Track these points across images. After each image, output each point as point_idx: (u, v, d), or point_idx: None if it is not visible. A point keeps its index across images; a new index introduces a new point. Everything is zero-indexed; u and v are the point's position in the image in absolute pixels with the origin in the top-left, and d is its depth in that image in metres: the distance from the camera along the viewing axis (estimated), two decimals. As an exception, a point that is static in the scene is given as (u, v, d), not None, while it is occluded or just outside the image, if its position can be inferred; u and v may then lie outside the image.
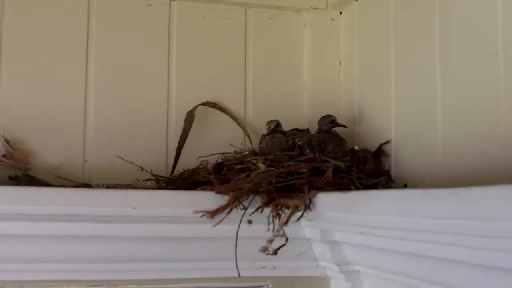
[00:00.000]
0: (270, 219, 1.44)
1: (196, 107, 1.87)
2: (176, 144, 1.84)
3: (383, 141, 1.65)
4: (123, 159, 1.72)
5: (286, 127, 1.82)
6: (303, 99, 2.00)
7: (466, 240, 0.92)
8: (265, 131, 1.77)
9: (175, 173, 1.79)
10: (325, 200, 1.36)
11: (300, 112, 1.98)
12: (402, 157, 1.59)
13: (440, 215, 0.92)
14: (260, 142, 1.77)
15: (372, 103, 1.77)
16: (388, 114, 1.65)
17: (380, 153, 1.65)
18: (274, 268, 1.61)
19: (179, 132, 1.85)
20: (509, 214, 0.80)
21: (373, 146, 1.68)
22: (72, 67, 1.82)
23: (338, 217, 1.32)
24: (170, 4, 1.92)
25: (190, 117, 1.86)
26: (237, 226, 1.46)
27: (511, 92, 1.18)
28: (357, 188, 1.48)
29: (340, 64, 1.98)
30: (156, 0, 1.90)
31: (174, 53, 1.90)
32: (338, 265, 1.48)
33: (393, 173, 1.61)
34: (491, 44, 1.24)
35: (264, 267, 1.60)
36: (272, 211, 1.44)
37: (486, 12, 1.27)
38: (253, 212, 1.46)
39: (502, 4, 1.22)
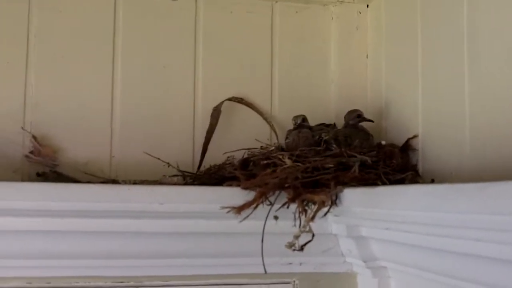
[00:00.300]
0: (296, 215, 1.44)
1: (222, 102, 1.89)
2: (203, 140, 1.86)
3: (411, 136, 1.64)
4: (149, 155, 1.74)
5: (312, 122, 1.82)
6: (330, 93, 1.99)
7: (493, 235, 0.91)
8: (291, 126, 1.78)
9: (202, 168, 1.81)
10: (351, 196, 1.36)
11: (327, 106, 1.98)
12: (429, 152, 1.58)
13: (466, 210, 0.92)
14: (286, 137, 1.78)
15: (399, 97, 1.77)
16: (415, 108, 1.65)
17: (407, 147, 1.64)
18: (300, 264, 1.61)
19: (206, 127, 1.86)
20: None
21: (400, 140, 1.67)
22: (98, 63, 1.84)
23: (365, 212, 1.32)
24: (196, -1, 1.94)
25: (216, 113, 1.88)
26: (263, 222, 1.46)
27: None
28: (384, 183, 1.48)
29: (367, 57, 1.97)
30: (181, -5, 1.92)
31: (200, 49, 1.92)
32: (364, 261, 1.48)
33: (421, 168, 1.60)
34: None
35: (290, 263, 1.60)
36: (298, 206, 1.44)
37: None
38: (280, 207, 1.46)
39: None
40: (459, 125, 1.44)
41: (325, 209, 1.41)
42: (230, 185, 1.54)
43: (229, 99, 1.90)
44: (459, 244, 1.03)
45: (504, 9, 1.29)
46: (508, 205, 0.83)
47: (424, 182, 1.55)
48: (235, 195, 1.49)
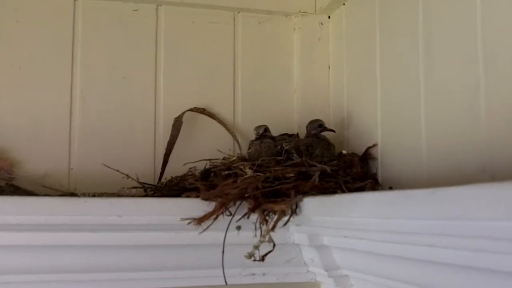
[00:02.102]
0: (257, 225, 1.45)
1: (184, 113, 1.90)
2: (164, 151, 1.87)
3: (370, 145, 1.68)
4: (108, 167, 1.74)
5: (275, 132, 1.85)
6: (293, 103, 2.02)
7: (445, 240, 0.94)
8: (253, 137, 1.80)
9: (163, 180, 1.82)
10: (310, 204, 1.38)
11: (290, 116, 2.01)
12: (388, 160, 1.62)
13: (417, 216, 0.94)
14: (249, 148, 1.80)
15: (360, 107, 1.80)
16: (375, 118, 1.68)
17: (367, 156, 1.68)
18: (264, 275, 1.63)
19: (167, 138, 1.87)
20: (484, 213, 0.82)
21: (361, 150, 1.70)
22: (57, 74, 1.84)
23: (323, 221, 1.34)
24: (157, 9, 1.94)
25: (178, 123, 1.89)
26: (224, 233, 1.48)
27: (491, 93, 1.21)
28: (343, 192, 1.51)
29: (329, 68, 2.01)
30: (142, 5, 1.93)
31: (162, 59, 1.93)
32: (327, 270, 1.50)
33: (380, 176, 1.64)
34: (472, 44, 1.27)
35: (253, 274, 1.61)
36: (259, 216, 1.46)
37: (466, 13, 1.29)
38: (240, 218, 1.47)
39: (481, 4, 1.24)
40: (415, 133, 1.47)
41: (286, 218, 1.42)
42: (189, 196, 1.55)
43: (191, 110, 1.92)
44: (413, 250, 1.05)
45: (458, 16, 1.33)
46: (457, 209, 0.86)
47: (383, 189, 1.59)
48: (196, 206, 1.50)
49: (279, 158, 1.66)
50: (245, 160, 1.73)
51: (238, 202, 1.48)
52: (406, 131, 1.53)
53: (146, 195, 1.70)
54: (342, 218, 1.23)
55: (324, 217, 1.33)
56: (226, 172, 1.62)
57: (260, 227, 1.44)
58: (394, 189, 1.51)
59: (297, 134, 1.93)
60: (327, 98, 2.00)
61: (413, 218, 0.96)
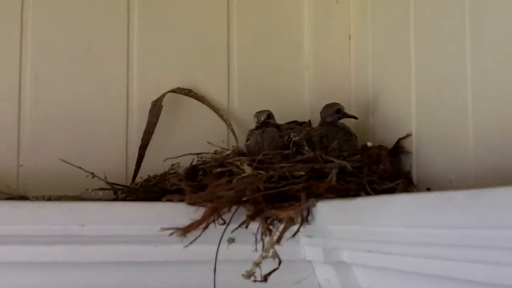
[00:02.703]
0: (258, 237, 1.46)
1: (164, 95, 1.90)
2: (139, 143, 1.88)
3: (403, 135, 1.68)
4: (68, 163, 1.74)
5: (281, 119, 1.86)
6: (303, 83, 2.04)
7: (492, 255, 0.95)
8: (253, 125, 1.81)
9: (138, 180, 1.83)
10: (326, 210, 1.38)
11: (300, 100, 2.03)
12: (425, 155, 1.62)
13: (463, 224, 0.94)
14: (247, 139, 1.81)
15: (389, 88, 1.81)
16: (408, 102, 1.68)
17: (398, 150, 1.69)
18: (266, 299, 1.64)
19: (142, 127, 1.89)
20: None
21: (390, 141, 1.71)
22: (2, 48, 1.85)
23: (343, 231, 1.34)
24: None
25: (156, 108, 1.89)
26: (216, 247, 1.49)
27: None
28: (368, 194, 1.52)
29: (349, 38, 2.01)
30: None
31: (136, 26, 1.95)
32: (347, 293, 1.51)
33: (414, 174, 1.65)
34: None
35: (253, 299, 1.63)
36: (260, 226, 1.46)
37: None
38: (237, 228, 1.48)
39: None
40: (460, 121, 1.47)
41: (295, 228, 1.42)
42: (171, 200, 1.56)
43: (173, 91, 1.93)
44: (454, 267, 1.06)
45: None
46: (508, 215, 0.86)
47: (418, 191, 1.59)
48: (180, 212, 1.50)
49: (286, 152, 1.67)
50: (243, 154, 1.74)
51: (233, 208, 1.49)
52: (448, 119, 1.53)
53: (116, 199, 1.71)
54: (367, 228, 1.23)
55: (343, 226, 1.33)
56: (219, 170, 1.63)
57: (262, 239, 1.44)
58: (432, 190, 1.52)
59: (309, 121, 1.94)
60: (347, 76, 2.00)
61: (457, 227, 0.96)
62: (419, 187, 1.63)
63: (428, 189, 1.57)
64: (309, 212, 1.42)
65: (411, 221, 1.10)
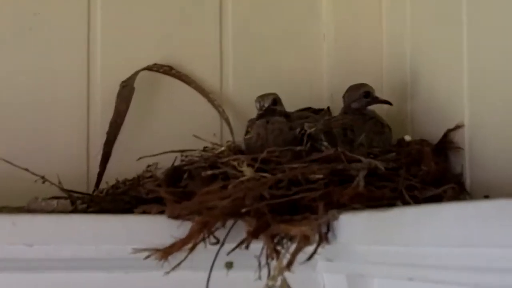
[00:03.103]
0: (263, 260, 1.46)
1: (136, 74, 1.91)
2: (104, 138, 1.88)
3: (452, 126, 1.68)
4: (11, 163, 1.74)
5: (291, 105, 1.86)
6: (320, 59, 2.05)
7: None
8: (254, 113, 1.81)
9: (103, 186, 1.83)
10: (352, 225, 1.37)
11: (316, 80, 2.04)
12: (482, 152, 1.63)
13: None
14: (247, 132, 1.81)
15: (433, 66, 1.81)
16: (459, 83, 1.69)
17: (446, 146, 1.69)
18: None
19: (108, 117, 1.89)
20: None
21: (436, 135, 1.72)
22: None
23: (374, 252, 1.34)
24: None
25: (126, 92, 1.90)
26: (206, 273, 1.48)
27: None
28: (406, 204, 1.51)
29: (380, 1, 2.03)
30: None
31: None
32: (377, 333, 1.51)
33: (468, 178, 1.65)
34: None
35: None
36: (265, 246, 1.46)
37: None
38: (234, 248, 1.47)
39: None
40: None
41: (310, 248, 1.42)
42: (147, 213, 1.57)
43: (149, 68, 1.94)
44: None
45: None
46: None
47: (473, 199, 1.59)
48: (159, 228, 1.51)
49: (298, 148, 1.67)
50: (241, 152, 1.74)
51: (229, 222, 1.49)
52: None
53: (74, 211, 1.70)
54: (405, 248, 1.23)
55: (374, 246, 1.33)
56: (210, 172, 1.62)
57: (268, 264, 1.44)
58: (492, 198, 1.51)
59: (328, 108, 1.94)
60: (378, 49, 2.01)
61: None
62: (474, 194, 1.63)
63: (486, 197, 1.56)
64: (329, 227, 1.42)
65: (465, 239, 1.09)
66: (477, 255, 1.10)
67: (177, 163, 1.74)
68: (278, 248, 1.45)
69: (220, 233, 1.49)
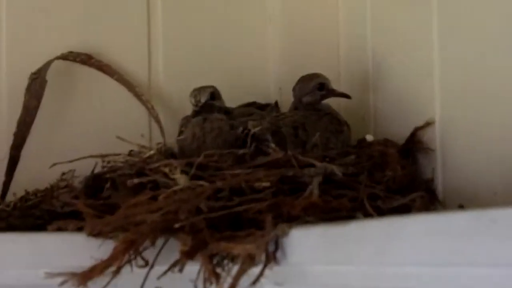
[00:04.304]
0: (200, 285, 1.46)
1: (49, 64, 1.91)
2: (10, 141, 1.88)
3: (420, 124, 1.70)
4: None
5: (232, 100, 1.88)
6: (266, 45, 2.07)
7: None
8: (190, 110, 1.81)
9: (9, 198, 1.82)
10: (305, 242, 1.37)
11: (261, 70, 2.06)
12: (455, 154, 1.64)
13: (509, 260, 0.95)
14: (181, 131, 1.81)
15: (400, 52, 1.83)
16: (429, 73, 1.70)
17: (414, 147, 1.71)
18: None
19: (15, 115, 1.89)
20: None
21: (402, 134, 1.73)
22: None
23: (331, 273, 1.34)
24: None
25: (37, 85, 1.89)
26: (132, 301, 1.49)
27: None
28: (368, 215, 1.51)
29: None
30: None
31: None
32: None
33: (440, 184, 1.66)
34: None
35: None
36: (202, 268, 1.46)
37: None
38: (165, 271, 1.47)
39: None
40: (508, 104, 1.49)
41: (256, 270, 1.42)
42: (63, 229, 1.56)
43: (63, 57, 1.93)
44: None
45: None
46: None
47: (445, 210, 1.60)
48: (76, 248, 1.51)
49: (241, 151, 1.68)
50: (173, 156, 1.75)
51: (160, 240, 1.49)
52: (492, 100, 1.54)
53: (-26, 228, 1.69)
54: (367, 268, 1.24)
55: (331, 266, 1.33)
56: (136, 181, 1.62)
57: (205, 289, 1.44)
58: (467, 208, 1.53)
59: (276, 103, 1.96)
60: (334, 32, 2.03)
61: (508, 263, 0.96)
62: (447, 203, 1.64)
63: (461, 207, 1.58)
64: (278, 245, 1.42)
65: (436, 257, 1.10)
66: (450, 276, 1.11)
67: (97, 170, 1.74)
68: (218, 270, 1.45)
69: (149, 254, 1.49)
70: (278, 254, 1.41)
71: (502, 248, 0.98)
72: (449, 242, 1.07)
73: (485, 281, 1.04)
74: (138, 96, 1.95)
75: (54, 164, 1.77)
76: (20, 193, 1.81)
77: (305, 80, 1.82)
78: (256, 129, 1.71)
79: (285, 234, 1.41)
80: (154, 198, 1.55)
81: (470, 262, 1.04)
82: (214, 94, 1.80)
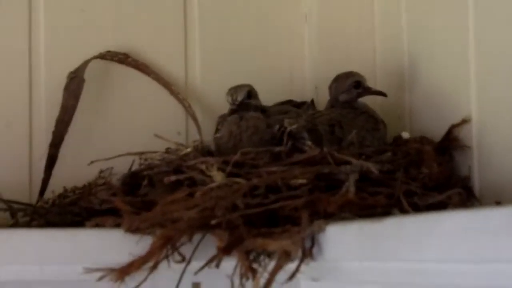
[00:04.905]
0: (236, 280, 1.46)
1: (87, 63, 1.91)
2: (49, 139, 1.88)
3: (457, 122, 1.68)
4: None
5: (268, 99, 1.87)
6: (302, 43, 2.07)
7: None
8: (226, 109, 1.81)
9: (48, 195, 1.83)
10: (341, 238, 1.37)
11: (297, 69, 2.06)
12: (492, 151, 1.63)
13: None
14: (217, 129, 1.82)
15: (436, 51, 1.81)
16: (465, 72, 1.69)
17: (450, 144, 1.70)
18: None
19: (54, 114, 1.89)
20: None
21: (438, 132, 1.72)
22: None
23: (367, 269, 1.34)
24: None
25: (75, 84, 1.90)
26: (170, 296, 1.49)
27: None
28: (405, 212, 1.51)
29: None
30: None
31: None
32: None
33: (476, 181, 1.65)
34: None
35: None
36: (239, 263, 1.46)
37: None
38: (203, 267, 1.47)
39: None
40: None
41: (292, 266, 1.42)
42: (101, 226, 1.57)
43: (101, 57, 1.94)
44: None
45: None
46: None
47: (482, 206, 1.58)
48: (114, 244, 1.51)
49: (277, 149, 1.68)
50: (210, 153, 1.75)
51: (197, 236, 1.49)
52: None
53: (14, 225, 1.71)
54: (404, 264, 1.23)
55: (367, 262, 1.33)
56: (174, 178, 1.63)
57: (242, 284, 1.44)
58: (504, 204, 1.52)
59: (312, 101, 1.95)
60: (370, 31, 2.01)
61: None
62: (484, 199, 1.63)
63: (498, 203, 1.56)
64: (314, 241, 1.42)
65: (473, 253, 1.09)
66: (487, 272, 1.10)
67: (135, 167, 1.75)
68: (254, 266, 1.45)
69: (186, 249, 1.49)
70: (314, 250, 1.41)
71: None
72: (485, 238, 1.06)
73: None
74: (174, 94, 1.96)
75: (92, 162, 1.79)
76: (59, 190, 1.81)
77: (341, 78, 1.81)
78: (293, 127, 1.70)
79: (321, 230, 1.41)
80: (191, 195, 1.55)
81: (507, 258, 1.03)
82: (251, 93, 1.80)
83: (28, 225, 1.71)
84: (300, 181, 1.55)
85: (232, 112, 1.79)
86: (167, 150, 1.76)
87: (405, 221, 1.31)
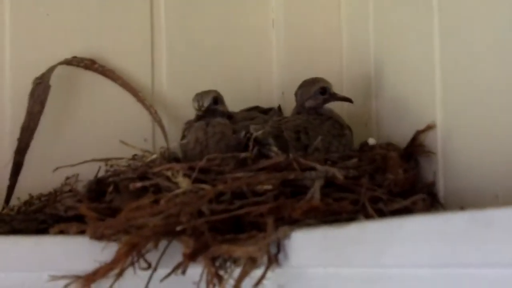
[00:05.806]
0: (202, 287, 1.46)
1: (52, 69, 1.91)
2: (14, 146, 1.88)
3: (422, 128, 1.70)
4: None
5: (235, 105, 1.88)
6: (269, 49, 2.07)
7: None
8: (192, 115, 1.82)
9: (13, 202, 1.83)
10: (306, 244, 1.38)
11: (263, 75, 2.06)
12: (457, 157, 1.64)
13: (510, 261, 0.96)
14: (183, 136, 1.82)
15: (402, 57, 1.83)
16: (430, 78, 1.70)
17: (416, 150, 1.71)
18: None
19: (19, 120, 1.89)
20: None
21: (404, 138, 1.73)
22: None
23: (332, 276, 1.34)
24: None
25: (40, 90, 1.89)
26: (136, 303, 1.49)
27: None
28: (369, 218, 1.52)
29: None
30: None
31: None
32: None
33: (441, 187, 1.66)
34: None
35: None
36: (205, 270, 1.46)
37: None
38: (168, 274, 1.48)
39: None
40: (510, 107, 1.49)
41: (258, 273, 1.42)
42: (66, 233, 1.56)
43: (67, 62, 1.94)
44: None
45: None
46: None
47: (446, 211, 1.57)
48: (79, 251, 1.51)
49: (243, 155, 1.68)
50: (176, 160, 1.75)
51: (163, 243, 1.49)
52: (493, 103, 1.54)
53: (-21, 232, 1.70)
54: (367, 270, 1.24)
55: (332, 268, 1.34)
56: (139, 185, 1.63)
57: (208, 292, 1.45)
58: (468, 209, 1.52)
59: (279, 107, 1.96)
60: (337, 37, 2.04)
61: (509, 263, 0.97)
62: (449, 205, 1.65)
63: (462, 208, 1.57)
64: (279, 247, 1.43)
65: (435, 258, 1.10)
66: (447, 277, 1.11)
67: (101, 174, 1.74)
68: (221, 272, 1.45)
69: (152, 256, 1.49)
70: (280, 257, 1.42)
71: (500, 249, 0.98)
72: (448, 243, 1.07)
73: (484, 282, 1.04)
74: (141, 100, 1.96)
75: (58, 168, 1.79)
76: (24, 197, 1.82)
77: (307, 84, 1.83)
78: (259, 133, 1.71)
79: (286, 236, 1.41)
80: (156, 202, 1.55)
81: (468, 263, 1.04)
82: (217, 99, 1.80)
83: (-6, 232, 1.70)
84: (266, 187, 1.56)
85: (198, 118, 1.79)
86: (133, 157, 1.77)
87: (368, 226, 1.32)
